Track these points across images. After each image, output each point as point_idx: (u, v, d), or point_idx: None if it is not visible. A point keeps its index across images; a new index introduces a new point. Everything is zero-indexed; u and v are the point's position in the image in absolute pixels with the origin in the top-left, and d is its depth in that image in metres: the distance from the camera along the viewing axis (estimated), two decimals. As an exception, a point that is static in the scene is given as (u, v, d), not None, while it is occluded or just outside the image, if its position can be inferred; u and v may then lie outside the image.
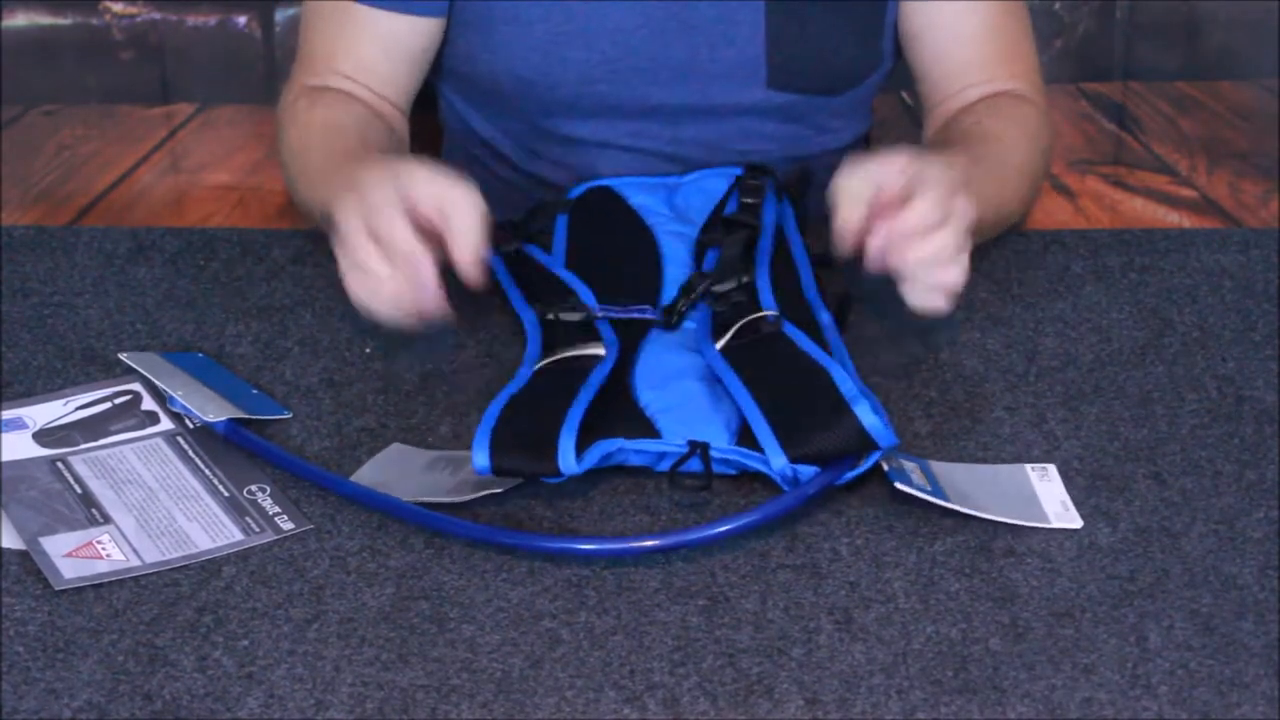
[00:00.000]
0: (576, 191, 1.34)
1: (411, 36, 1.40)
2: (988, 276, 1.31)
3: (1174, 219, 1.48)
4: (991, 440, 1.12)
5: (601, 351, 1.12)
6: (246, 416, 1.12)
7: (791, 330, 1.13)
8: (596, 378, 1.09)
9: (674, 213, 1.31)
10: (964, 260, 1.11)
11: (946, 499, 1.04)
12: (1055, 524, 1.04)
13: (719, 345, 1.12)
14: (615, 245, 1.27)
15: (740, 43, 1.38)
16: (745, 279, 1.18)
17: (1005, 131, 1.37)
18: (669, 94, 1.39)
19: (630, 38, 1.37)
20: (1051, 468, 1.09)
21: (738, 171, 1.33)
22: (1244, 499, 1.06)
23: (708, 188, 1.33)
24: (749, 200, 1.28)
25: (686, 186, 1.35)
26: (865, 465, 1.05)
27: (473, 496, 1.05)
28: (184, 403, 1.12)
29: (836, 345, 1.15)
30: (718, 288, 1.18)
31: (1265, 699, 0.91)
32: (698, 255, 1.25)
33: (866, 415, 1.04)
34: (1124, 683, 0.92)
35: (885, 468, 1.05)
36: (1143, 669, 0.93)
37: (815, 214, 1.34)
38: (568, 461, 1.02)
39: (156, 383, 1.15)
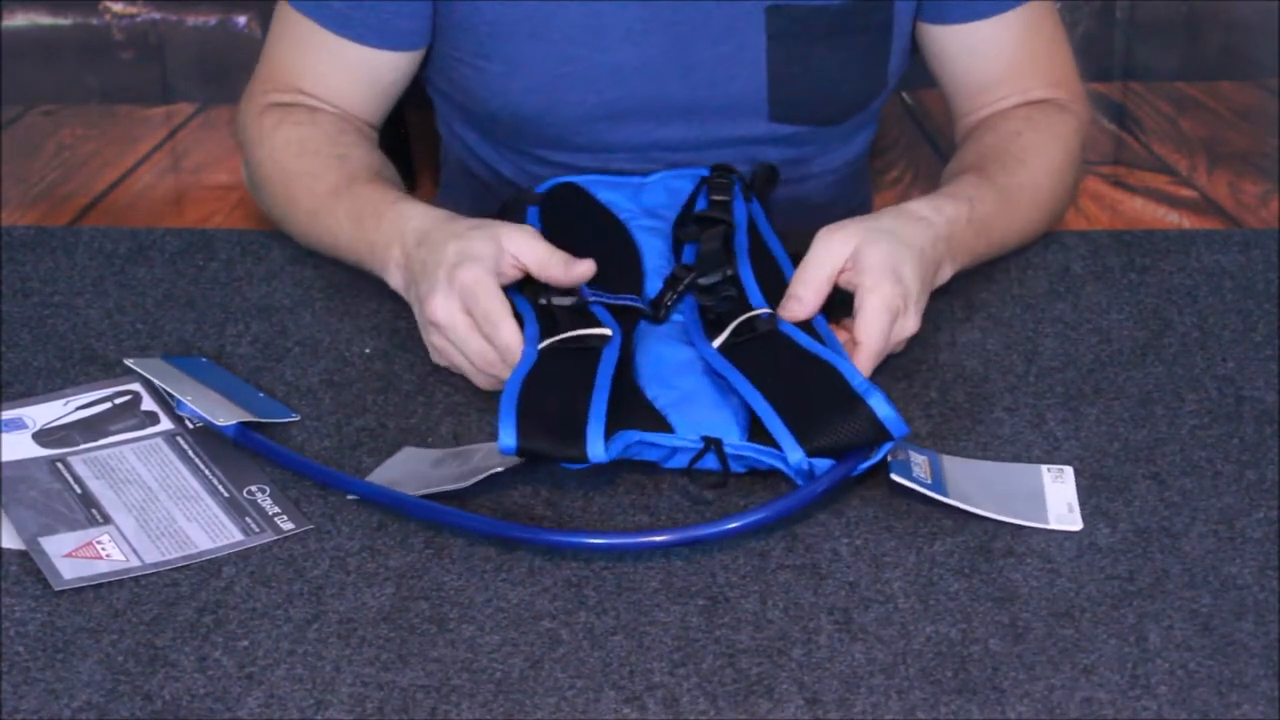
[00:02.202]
0: (543, 187, 1.33)
1: (381, 70, 1.37)
2: (988, 277, 1.31)
3: (1174, 219, 1.48)
4: (991, 441, 1.12)
5: (607, 332, 1.12)
6: (255, 420, 1.12)
7: (788, 327, 1.13)
8: (609, 358, 1.09)
9: (642, 209, 1.31)
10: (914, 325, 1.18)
11: (945, 494, 1.04)
12: (1055, 525, 1.04)
13: (717, 344, 1.12)
14: (591, 238, 1.26)
15: (741, 81, 1.37)
16: (729, 272, 1.18)
17: (1035, 150, 1.35)
18: (669, 131, 1.38)
19: (630, 79, 1.36)
20: (1068, 470, 1.08)
21: (702, 172, 1.33)
22: (1244, 499, 1.06)
23: (673, 187, 1.33)
24: (719, 198, 1.28)
25: (652, 185, 1.34)
26: (878, 455, 1.05)
27: (475, 480, 1.04)
28: (193, 408, 1.12)
29: (830, 338, 1.15)
30: (703, 281, 1.18)
31: (1265, 699, 0.91)
32: (675, 250, 1.25)
33: (881, 406, 1.04)
34: (1124, 683, 0.92)
35: (889, 459, 1.05)
36: (1142, 669, 0.93)
37: (793, 216, 1.34)
38: (596, 449, 1.02)
39: (163, 387, 1.15)
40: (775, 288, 1.18)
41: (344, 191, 1.28)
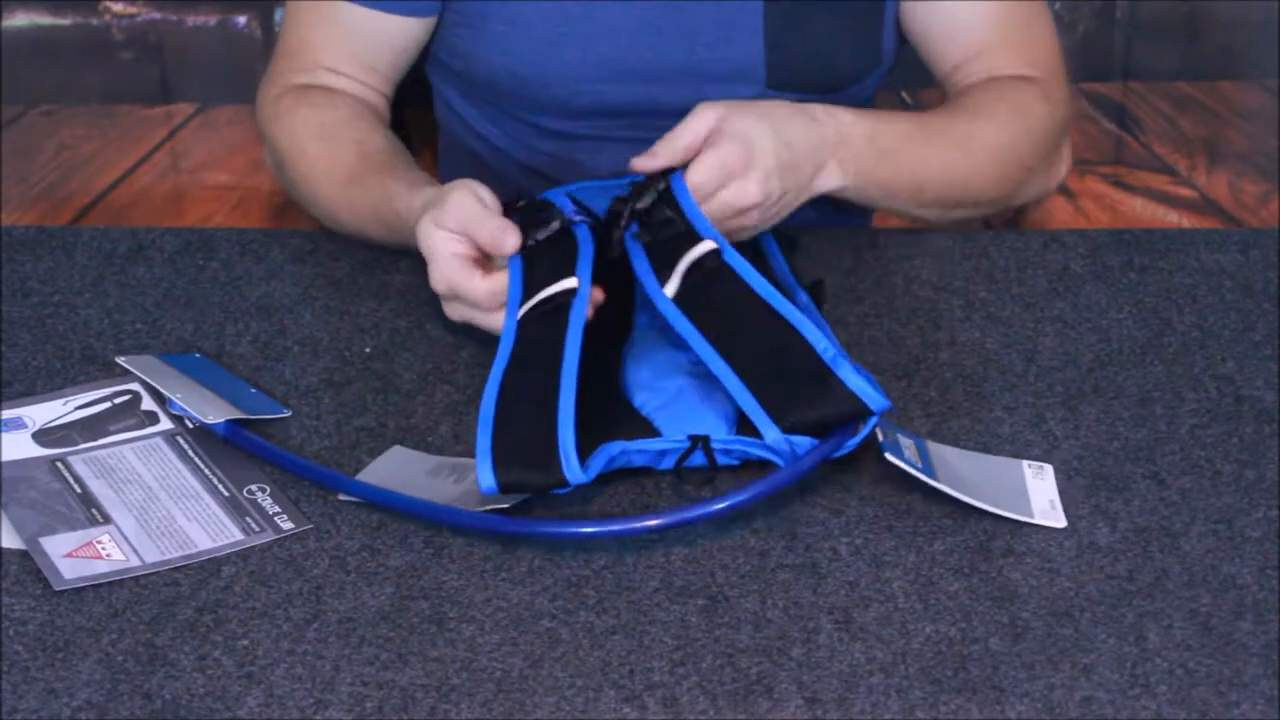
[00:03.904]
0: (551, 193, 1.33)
1: (398, 36, 1.40)
2: (988, 276, 1.31)
3: (1174, 219, 1.48)
4: (991, 440, 1.12)
5: (573, 283, 1.11)
6: (246, 417, 1.12)
7: (733, 259, 1.11)
8: (570, 360, 1.07)
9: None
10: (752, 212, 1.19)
11: (935, 478, 1.04)
12: (1039, 520, 1.04)
13: (669, 291, 1.11)
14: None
15: (738, 44, 1.38)
16: (661, 186, 1.16)
17: (979, 104, 1.36)
18: (667, 94, 1.39)
19: (628, 40, 1.37)
20: (1048, 467, 1.09)
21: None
22: (1243, 499, 1.06)
23: None
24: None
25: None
26: (863, 434, 1.05)
27: (479, 510, 1.04)
28: (183, 405, 1.12)
29: (819, 322, 1.14)
30: (640, 205, 1.15)
31: (1264, 699, 0.91)
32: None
33: (850, 376, 1.04)
34: (1123, 682, 0.92)
35: (880, 438, 1.05)
36: (1141, 669, 0.93)
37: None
38: (573, 470, 1.02)
39: (155, 385, 1.15)
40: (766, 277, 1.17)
41: (362, 179, 1.31)
